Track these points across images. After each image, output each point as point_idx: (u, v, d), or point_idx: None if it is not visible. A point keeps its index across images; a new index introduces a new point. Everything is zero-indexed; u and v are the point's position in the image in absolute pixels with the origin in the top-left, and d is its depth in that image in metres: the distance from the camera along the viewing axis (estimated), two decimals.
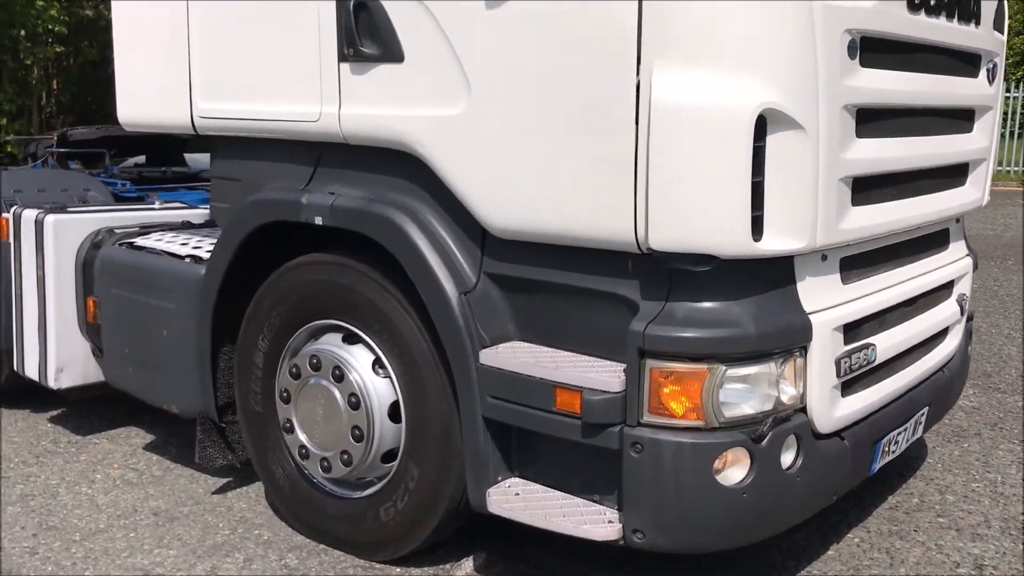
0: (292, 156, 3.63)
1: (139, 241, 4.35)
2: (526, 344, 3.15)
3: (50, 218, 4.58)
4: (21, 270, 4.75)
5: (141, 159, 7.11)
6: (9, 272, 4.87)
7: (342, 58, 3.28)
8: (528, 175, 2.91)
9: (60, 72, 12.20)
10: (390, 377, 3.39)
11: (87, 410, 5.26)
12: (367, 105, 3.25)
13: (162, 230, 4.62)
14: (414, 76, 3.12)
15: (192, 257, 4.07)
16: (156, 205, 5.15)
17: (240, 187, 3.81)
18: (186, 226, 4.82)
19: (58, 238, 4.57)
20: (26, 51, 11.27)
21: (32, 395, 5.19)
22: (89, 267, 4.51)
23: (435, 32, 3.02)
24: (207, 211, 5.11)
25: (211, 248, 4.09)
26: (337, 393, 3.44)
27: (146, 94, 4.01)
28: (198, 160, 7.33)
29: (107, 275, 4.30)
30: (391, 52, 3.15)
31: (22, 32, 11.19)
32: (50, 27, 10.73)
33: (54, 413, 5.33)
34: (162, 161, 6.96)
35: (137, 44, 4.01)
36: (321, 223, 3.41)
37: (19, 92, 11.44)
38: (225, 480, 4.35)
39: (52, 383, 4.67)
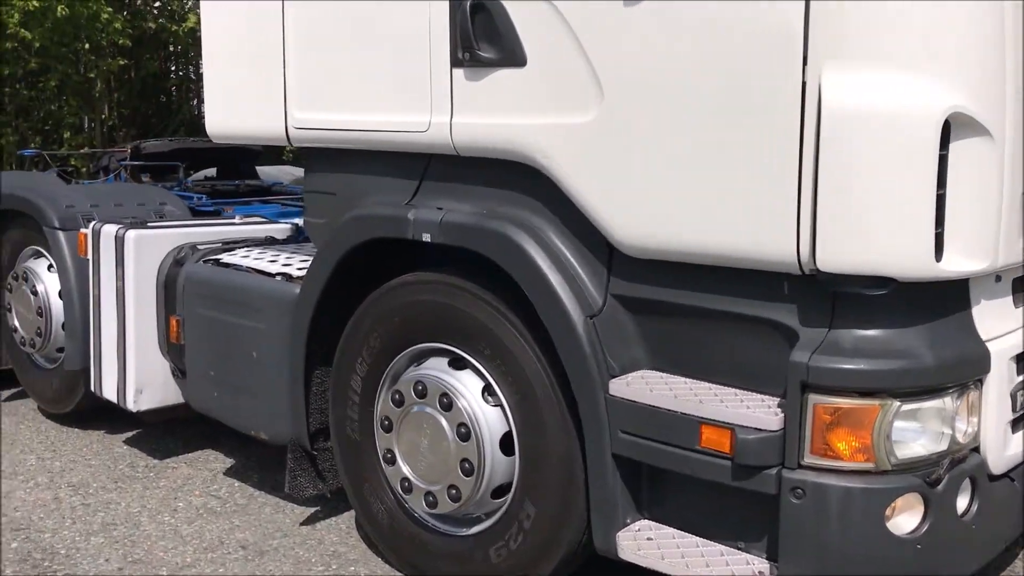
0: (395, 168, 3.40)
1: (225, 258, 4.16)
2: (658, 373, 2.87)
3: (131, 233, 4.40)
4: (100, 287, 4.58)
5: (212, 172, 6.97)
6: (87, 289, 4.71)
7: (455, 63, 3.04)
8: (667, 188, 2.64)
9: (121, 85, 12.20)
10: (501, 406, 3.14)
11: (162, 431, 5.09)
12: (483, 113, 3.01)
13: (246, 246, 4.43)
14: (537, 81, 2.86)
15: (282, 275, 3.86)
16: (236, 220, 4.96)
17: (336, 202, 3.59)
18: (270, 241, 4.63)
19: (139, 254, 4.40)
20: (89, 64, 11.28)
21: (107, 415, 5.03)
22: (171, 285, 4.33)
23: (562, 33, 2.77)
24: (289, 226, 4.93)
25: (301, 265, 3.90)
26: (444, 422, 3.20)
27: (236, 104, 3.81)
28: (269, 173, 7.20)
29: (192, 293, 4.11)
30: (512, 56, 2.90)
31: (86, 45, 11.21)
32: (115, 40, 10.72)
33: (129, 434, 5.16)
34: (234, 174, 6.82)
35: (228, 52, 3.82)
36: (429, 240, 3.18)
37: (82, 105, 11.45)
38: (312, 510, 4.12)
39: (131, 405, 4.49)
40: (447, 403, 3.19)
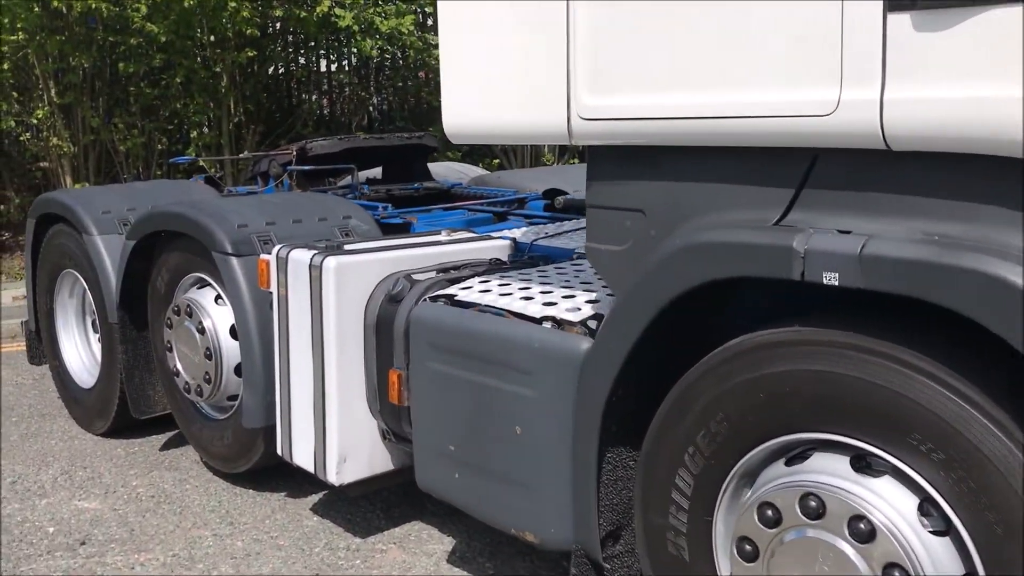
0: (752, 172, 2.31)
1: (459, 294, 3.15)
2: None
3: (330, 262, 3.44)
4: (288, 328, 3.65)
5: (376, 172, 6.03)
6: (270, 330, 3.79)
7: (895, 6, 1.93)
8: None
9: (246, 79, 11.46)
10: (954, 531, 2.04)
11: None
12: (950, 82, 1.88)
13: (474, 274, 3.43)
14: None
15: (550, 320, 2.82)
16: (443, 236, 3.96)
17: (646, 222, 2.53)
18: (497, 266, 3.62)
19: (341, 287, 3.44)
20: (215, 57, 10.54)
21: (284, 469, 4.09)
22: (387, 328, 3.36)
23: None
24: (507, 242, 3.92)
25: (570, 305, 2.87)
26: (859, 559, 2.10)
27: (489, 96, 2.76)
28: (436, 172, 6.21)
29: (422, 343, 3.12)
30: None
31: (211, 37, 10.48)
32: (242, 29, 9.93)
33: (316, 499, 4.26)
34: (403, 174, 5.86)
35: (475, 34, 2.76)
36: (835, 283, 2.08)
37: (208, 102, 10.75)
38: None
39: (332, 477, 3.55)
40: (865, 531, 2.09)
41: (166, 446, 5.02)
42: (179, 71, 10.31)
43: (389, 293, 3.38)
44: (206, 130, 11.24)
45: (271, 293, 3.73)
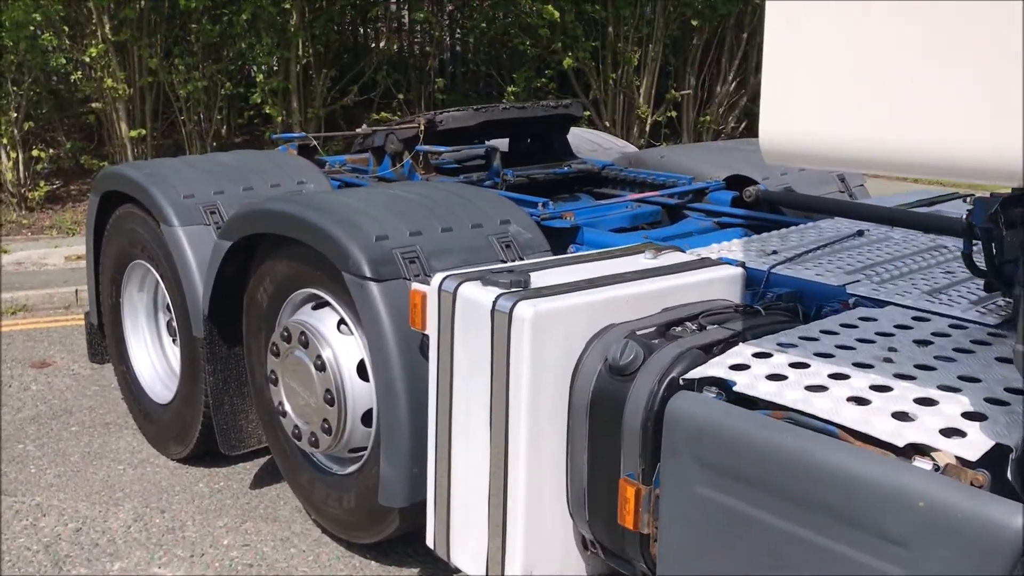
0: None
1: (739, 381, 2.12)
2: None
3: (525, 309, 2.42)
4: (453, 390, 2.66)
5: (501, 144, 4.96)
6: (419, 383, 2.82)
7: None
8: None
9: (316, 16, 10.35)
10: None
11: None
12: None
13: (738, 337, 2.40)
14: None
15: (925, 455, 1.80)
16: (648, 259, 2.93)
17: None
18: (751, 318, 2.59)
19: (540, 347, 2.43)
20: None
21: (411, 538, 3.17)
22: (610, 413, 2.35)
23: None
24: (737, 271, 2.87)
25: (949, 424, 1.84)
26: None
27: (853, 104, 1.69)
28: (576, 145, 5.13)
29: (689, 457, 2.10)
30: None
31: None
32: None
33: None
34: (541, 148, 4.80)
35: (833, 17, 1.69)
36: None
37: (277, 42, 9.68)
38: None
39: None
40: None
41: (257, 483, 4.12)
42: (244, 7, 9.26)
43: (613, 363, 2.36)
44: (276, 68, 10.21)
45: (429, 337, 2.75)
